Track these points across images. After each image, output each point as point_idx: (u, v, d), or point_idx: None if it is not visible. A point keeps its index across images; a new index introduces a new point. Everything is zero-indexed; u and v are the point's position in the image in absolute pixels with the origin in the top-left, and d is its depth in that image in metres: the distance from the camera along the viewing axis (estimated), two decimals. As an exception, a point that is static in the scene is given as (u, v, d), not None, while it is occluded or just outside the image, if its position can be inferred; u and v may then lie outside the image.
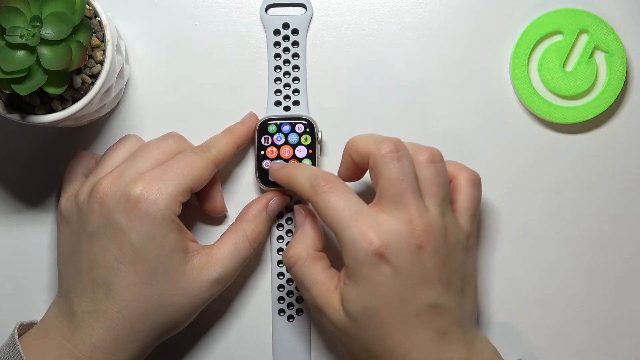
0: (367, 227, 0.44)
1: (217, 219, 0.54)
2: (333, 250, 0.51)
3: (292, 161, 0.52)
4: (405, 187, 0.45)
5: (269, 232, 0.54)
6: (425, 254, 0.45)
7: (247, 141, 0.53)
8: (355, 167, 0.49)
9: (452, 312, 0.45)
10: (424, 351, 0.44)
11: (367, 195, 0.54)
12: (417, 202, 0.45)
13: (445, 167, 0.47)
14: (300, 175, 0.48)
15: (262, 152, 0.52)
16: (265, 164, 0.53)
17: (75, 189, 0.51)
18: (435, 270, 0.45)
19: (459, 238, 0.47)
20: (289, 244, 0.49)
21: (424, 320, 0.45)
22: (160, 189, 0.47)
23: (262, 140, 0.52)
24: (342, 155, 0.49)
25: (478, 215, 0.50)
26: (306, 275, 0.47)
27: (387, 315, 0.44)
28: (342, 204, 0.45)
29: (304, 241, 0.49)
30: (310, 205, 0.50)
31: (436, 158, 0.47)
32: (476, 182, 0.49)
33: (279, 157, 0.52)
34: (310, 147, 0.52)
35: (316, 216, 0.50)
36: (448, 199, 0.47)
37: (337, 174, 0.50)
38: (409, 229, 0.44)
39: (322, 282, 0.47)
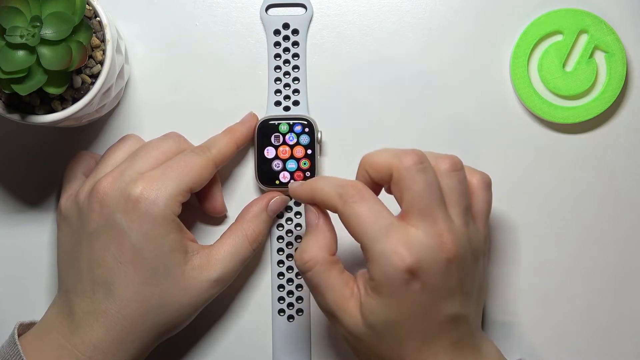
0: (399, 242, 0.43)
1: (217, 219, 0.54)
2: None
3: (303, 160, 0.52)
4: (432, 199, 0.44)
5: (269, 233, 0.54)
6: (453, 266, 0.44)
7: (247, 141, 0.53)
8: (371, 183, 0.47)
9: (469, 321, 0.45)
10: (439, 359, 0.44)
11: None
12: (444, 215, 0.44)
13: (465, 174, 0.46)
14: (325, 186, 0.46)
15: (274, 153, 0.52)
16: (276, 164, 0.52)
17: (75, 189, 0.51)
18: (459, 282, 0.44)
19: (479, 246, 0.46)
20: (301, 245, 0.47)
21: (444, 330, 0.44)
22: (160, 189, 0.47)
23: (273, 139, 0.52)
24: (357, 173, 0.47)
25: (489, 218, 0.49)
26: (322, 281, 0.46)
27: (408, 327, 0.44)
28: (373, 216, 0.44)
29: (318, 244, 0.47)
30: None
31: (457, 166, 0.46)
32: (488, 185, 0.48)
33: (292, 156, 0.52)
34: (310, 147, 0.52)
35: (329, 218, 0.48)
36: (469, 207, 0.46)
37: None
38: (439, 243, 0.43)
39: (338, 288, 0.45)
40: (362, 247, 0.44)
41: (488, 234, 0.49)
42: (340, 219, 0.45)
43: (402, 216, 0.45)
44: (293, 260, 0.54)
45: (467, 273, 0.45)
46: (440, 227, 0.44)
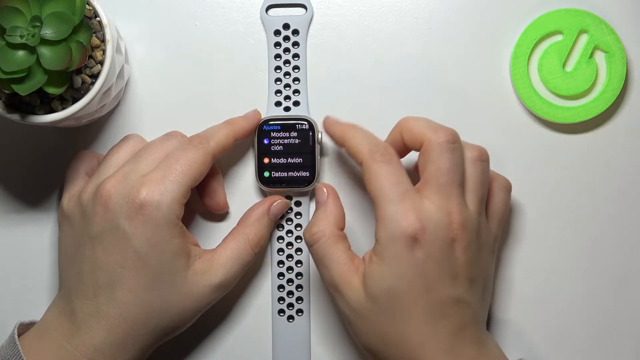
0: (410, 208, 0.44)
1: (219, 216, 0.54)
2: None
3: (304, 161, 0.52)
4: (453, 179, 0.45)
5: (270, 236, 0.53)
6: (458, 248, 0.45)
7: (246, 136, 0.52)
8: (402, 146, 0.48)
9: (472, 310, 0.46)
10: (440, 343, 0.44)
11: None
12: (459, 197, 0.45)
13: (489, 167, 0.48)
14: (358, 136, 0.48)
15: (275, 153, 0.52)
16: (276, 165, 0.52)
17: (78, 189, 0.50)
18: (463, 266, 0.45)
19: (488, 240, 0.47)
20: (310, 221, 0.49)
21: (446, 313, 0.45)
22: (163, 193, 0.47)
23: (273, 139, 0.52)
24: (391, 132, 0.49)
25: (504, 221, 0.50)
26: (328, 254, 0.47)
27: (409, 301, 0.44)
28: (394, 179, 0.45)
29: (327, 219, 0.48)
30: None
31: (484, 157, 0.48)
32: (508, 189, 0.50)
33: (292, 157, 0.52)
34: (310, 147, 0.52)
35: (338, 195, 0.49)
36: (485, 200, 0.48)
37: None
38: (447, 221, 0.45)
39: (343, 261, 0.46)
40: (374, 205, 0.45)
41: (499, 235, 0.49)
42: (362, 173, 0.47)
43: (420, 187, 0.46)
44: (293, 261, 0.54)
45: (473, 260, 0.46)
46: (452, 207, 0.45)
